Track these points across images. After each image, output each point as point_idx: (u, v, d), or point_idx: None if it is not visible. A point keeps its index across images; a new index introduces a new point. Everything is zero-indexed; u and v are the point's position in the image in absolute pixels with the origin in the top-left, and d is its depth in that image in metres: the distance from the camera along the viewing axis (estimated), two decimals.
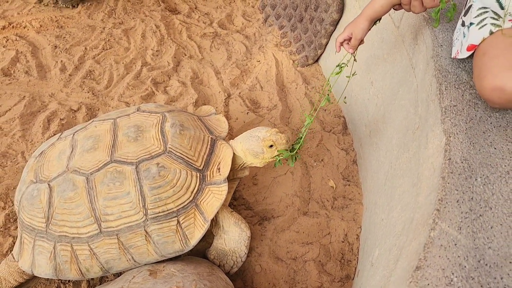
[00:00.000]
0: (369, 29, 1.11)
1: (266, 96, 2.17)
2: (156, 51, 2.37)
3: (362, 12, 1.09)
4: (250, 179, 1.77)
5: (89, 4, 2.72)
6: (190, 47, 2.43)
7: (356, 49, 1.15)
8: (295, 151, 1.36)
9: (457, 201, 0.79)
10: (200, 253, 1.49)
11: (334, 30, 2.12)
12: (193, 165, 1.32)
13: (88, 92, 2.11)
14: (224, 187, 1.30)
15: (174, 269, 1.21)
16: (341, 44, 1.14)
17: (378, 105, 1.67)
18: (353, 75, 1.26)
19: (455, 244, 0.74)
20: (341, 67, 1.16)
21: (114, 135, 1.31)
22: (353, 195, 1.72)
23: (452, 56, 1.07)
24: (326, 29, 2.13)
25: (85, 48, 2.37)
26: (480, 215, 0.77)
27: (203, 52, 2.42)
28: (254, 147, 1.39)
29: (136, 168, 1.22)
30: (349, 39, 1.15)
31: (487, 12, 0.95)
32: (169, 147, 1.31)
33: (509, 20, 0.93)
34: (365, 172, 1.70)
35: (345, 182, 1.77)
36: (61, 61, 2.28)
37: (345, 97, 1.66)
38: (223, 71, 2.29)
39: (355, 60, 1.18)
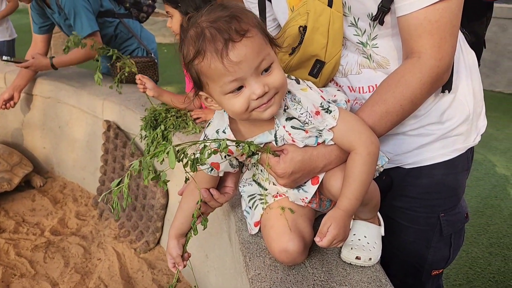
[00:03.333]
0: (182, 243, 1.24)
1: None
2: None
3: (169, 233, 1.23)
4: None
5: None
6: (20, 265, 2.27)
7: (184, 262, 1.25)
8: None
9: None
10: None
11: (165, 213, 2.28)
12: None
13: None
14: None
15: None
16: (174, 265, 1.24)
17: (217, 275, 1.77)
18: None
19: None
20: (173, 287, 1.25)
21: None
22: None
23: (249, 232, 1.26)
24: (158, 213, 2.27)
25: None
26: None
27: (36, 266, 2.28)
28: None
29: None
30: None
31: (254, 197, 1.19)
32: None
33: (273, 196, 1.18)
34: None
35: None
36: None
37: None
38: (61, 281, 2.17)
39: (179, 281, 1.28)
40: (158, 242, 2.38)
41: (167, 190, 2.25)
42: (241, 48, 0.88)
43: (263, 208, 1.17)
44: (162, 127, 2.07)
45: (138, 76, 2.19)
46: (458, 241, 1.38)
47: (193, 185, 1.18)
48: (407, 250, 1.36)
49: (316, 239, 0.99)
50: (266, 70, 0.92)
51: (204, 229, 1.18)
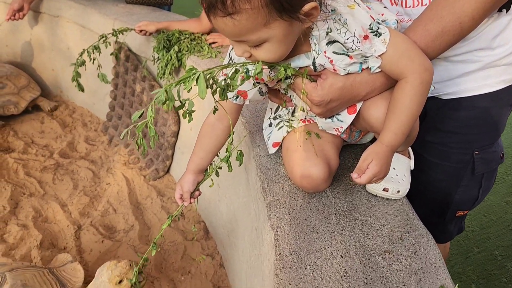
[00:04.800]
0: (198, 181, 1.17)
1: (121, 218, 2.07)
2: None
3: (187, 167, 1.15)
4: None
5: None
6: (29, 184, 2.25)
7: (191, 199, 1.18)
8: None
9: None
10: None
11: (176, 140, 2.20)
12: None
13: None
14: None
15: None
16: (180, 198, 1.17)
17: (228, 204, 1.72)
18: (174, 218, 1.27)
19: None
20: (172, 217, 1.19)
21: None
22: None
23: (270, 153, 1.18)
24: (168, 141, 2.20)
25: None
26: None
27: (45, 187, 2.25)
28: None
29: None
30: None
31: (281, 117, 1.10)
32: None
33: (299, 121, 1.08)
34: (232, 274, 1.69)
35: None
36: None
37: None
38: (70, 203, 2.15)
39: (182, 215, 1.21)
40: (168, 171, 2.33)
41: (178, 118, 2.16)
42: (219, 24, 0.78)
43: (287, 131, 1.08)
44: (176, 48, 1.93)
45: (138, 26, 2.07)
46: (489, 182, 1.29)
47: (215, 118, 1.08)
48: (434, 188, 1.28)
49: (354, 175, 0.89)
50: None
51: (240, 164, 1.10)
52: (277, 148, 1.13)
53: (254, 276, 1.20)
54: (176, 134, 2.18)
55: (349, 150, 1.27)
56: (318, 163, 1.00)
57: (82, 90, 2.24)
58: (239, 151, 1.05)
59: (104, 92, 2.70)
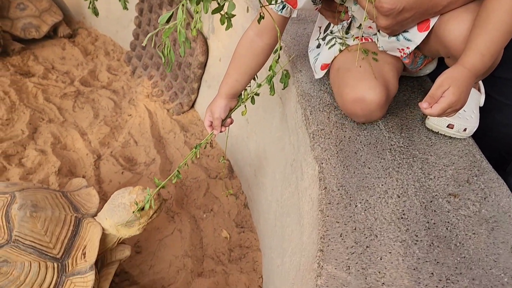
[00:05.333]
0: (231, 107, 1.02)
1: (142, 150, 1.98)
2: (6, 120, 2.05)
3: (218, 90, 1.00)
4: (132, 247, 1.54)
5: None
6: (49, 110, 2.16)
7: (222, 127, 1.05)
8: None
9: (340, 235, 0.69)
10: None
11: (203, 72, 2.05)
12: (49, 254, 1.09)
13: None
14: (90, 276, 1.09)
15: None
16: (210, 125, 1.04)
17: (257, 141, 1.59)
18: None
19: None
20: (200, 146, 1.07)
21: None
22: (249, 242, 1.59)
23: (316, 78, 1.02)
24: (195, 73, 2.05)
25: None
26: (367, 247, 0.68)
27: (64, 114, 2.16)
28: (125, 217, 1.20)
29: None
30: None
31: (333, 35, 0.92)
32: (16, 235, 1.09)
33: (355, 38, 0.91)
34: (257, 215, 1.59)
35: (239, 230, 1.64)
36: None
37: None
38: (90, 131, 2.06)
39: (211, 145, 1.08)
40: (193, 106, 2.20)
41: (207, 47, 1.99)
42: None
43: (340, 50, 0.91)
44: None
45: None
46: None
47: (254, 33, 0.91)
48: (498, 134, 1.11)
49: (423, 105, 0.73)
50: None
51: (284, 87, 0.94)
52: (325, 71, 0.97)
53: (287, 215, 1.08)
54: (204, 66, 2.02)
55: (405, 82, 1.10)
56: (375, 86, 0.84)
57: (97, 14, 2.06)
58: (285, 71, 0.89)
59: (129, 19, 2.53)
